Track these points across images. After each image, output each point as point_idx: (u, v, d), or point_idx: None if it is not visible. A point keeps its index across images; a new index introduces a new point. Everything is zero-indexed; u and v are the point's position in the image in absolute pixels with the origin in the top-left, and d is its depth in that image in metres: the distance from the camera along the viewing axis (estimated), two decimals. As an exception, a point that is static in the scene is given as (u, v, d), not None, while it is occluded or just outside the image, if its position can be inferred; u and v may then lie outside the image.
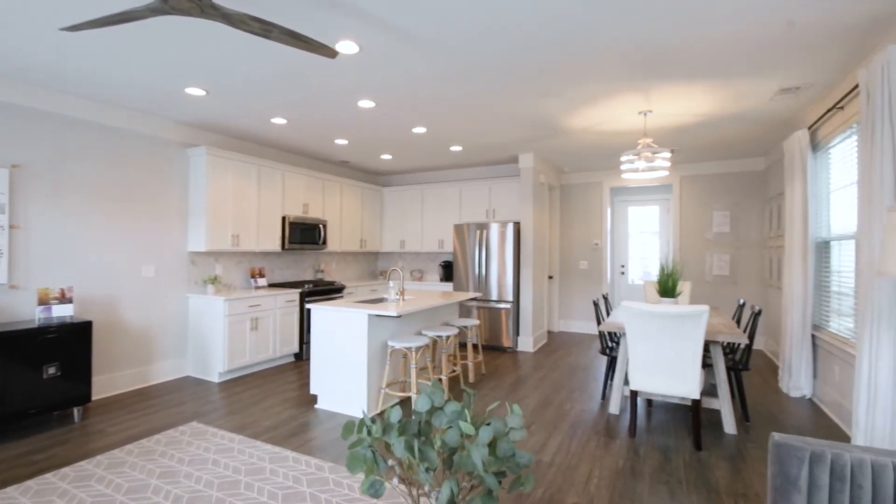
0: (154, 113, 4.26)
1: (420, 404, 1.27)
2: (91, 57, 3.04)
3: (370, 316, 3.58)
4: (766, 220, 5.99)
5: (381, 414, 3.62)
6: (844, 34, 2.68)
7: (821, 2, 2.32)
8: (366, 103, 3.93)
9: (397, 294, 4.22)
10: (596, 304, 4.12)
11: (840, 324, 3.68)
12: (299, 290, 5.32)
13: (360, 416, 3.54)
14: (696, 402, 3.04)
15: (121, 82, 3.49)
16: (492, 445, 1.08)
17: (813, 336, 4.05)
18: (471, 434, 1.18)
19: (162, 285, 4.48)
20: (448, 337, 4.07)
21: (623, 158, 4.29)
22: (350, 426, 1.17)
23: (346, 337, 3.66)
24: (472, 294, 4.81)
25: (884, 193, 2.43)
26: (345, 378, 3.65)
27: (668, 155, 4.07)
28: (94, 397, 3.93)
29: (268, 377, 4.63)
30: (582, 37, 2.72)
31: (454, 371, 4.44)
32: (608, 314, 4.75)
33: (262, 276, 5.42)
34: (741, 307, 4.31)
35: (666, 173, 4.24)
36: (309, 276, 6.33)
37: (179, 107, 4.08)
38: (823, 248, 4.06)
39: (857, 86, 3.00)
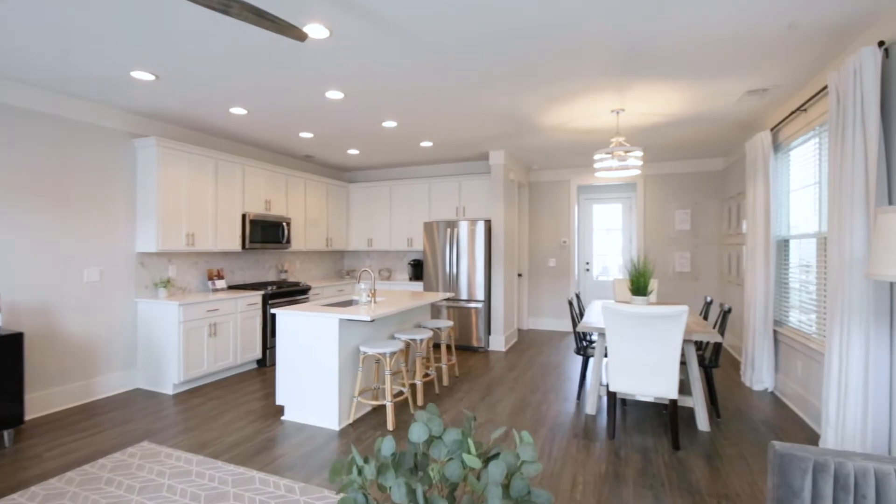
0: (95, 99, 3.84)
1: (416, 434, 1.13)
2: (18, 32, 2.67)
3: (341, 321, 3.38)
4: (725, 218, 6.20)
5: (354, 424, 3.44)
6: (816, 37, 2.73)
7: (804, 5, 2.34)
8: (334, 94, 3.70)
9: (368, 296, 4.03)
10: (570, 304, 4.09)
11: (800, 319, 3.82)
12: (262, 292, 5.02)
13: (331, 426, 3.34)
14: (673, 402, 3.05)
15: (56, 63, 3.10)
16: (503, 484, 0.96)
17: (774, 331, 4.19)
18: (476, 467, 1.05)
19: (107, 290, 4.08)
20: (422, 340, 3.93)
21: (596, 157, 4.27)
22: (338, 467, 1.01)
23: (316, 343, 3.44)
24: (446, 294, 4.68)
25: (855, 193, 2.49)
26: (314, 387, 3.43)
27: (641, 154, 4.09)
28: (28, 417, 3.52)
29: (228, 387, 4.33)
30: (567, 33, 2.63)
31: (428, 375, 4.30)
32: (581, 313, 4.75)
33: (220, 277, 5.07)
34: (708, 304, 4.40)
35: (638, 172, 4.26)
36: (272, 276, 6.00)
37: (125, 93, 3.70)
38: (783, 245, 4.21)
39: (823, 88, 3.08)
